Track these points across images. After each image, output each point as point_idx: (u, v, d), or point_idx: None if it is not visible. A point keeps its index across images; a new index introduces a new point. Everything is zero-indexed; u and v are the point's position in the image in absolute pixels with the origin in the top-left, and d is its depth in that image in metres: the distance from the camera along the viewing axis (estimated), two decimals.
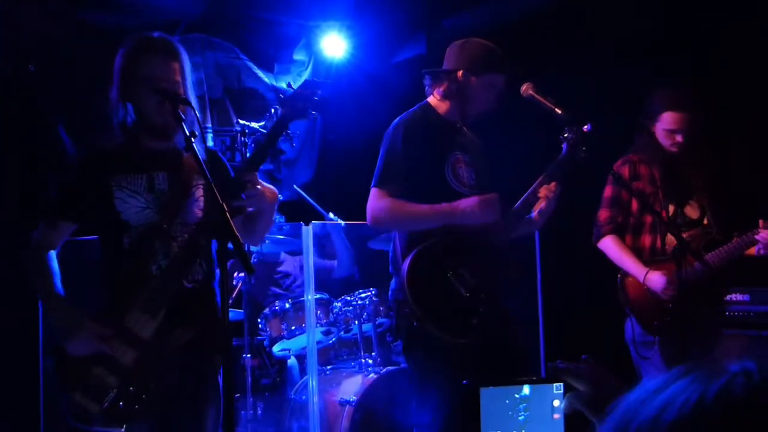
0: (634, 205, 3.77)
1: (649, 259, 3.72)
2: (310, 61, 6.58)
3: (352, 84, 6.52)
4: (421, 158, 3.17)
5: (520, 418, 1.89)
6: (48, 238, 2.73)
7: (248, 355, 4.68)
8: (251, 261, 4.74)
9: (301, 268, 5.15)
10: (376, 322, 4.57)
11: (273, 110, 5.72)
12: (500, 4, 5.70)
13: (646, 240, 3.76)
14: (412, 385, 3.27)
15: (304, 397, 4.48)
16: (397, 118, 3.27)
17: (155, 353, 2.60)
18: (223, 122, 6.11)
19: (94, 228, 2.77)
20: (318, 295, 4.72)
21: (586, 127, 3.25)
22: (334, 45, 6.42)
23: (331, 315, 4.72)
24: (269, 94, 6.30)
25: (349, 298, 4.68)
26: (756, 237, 3.55)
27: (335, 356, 4.82)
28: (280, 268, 5.59)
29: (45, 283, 2.66)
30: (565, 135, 3.29)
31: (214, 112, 6.08)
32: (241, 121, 5.58)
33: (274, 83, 6.36)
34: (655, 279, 3.61)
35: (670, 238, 3.68)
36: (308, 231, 4.46)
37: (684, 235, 3.65)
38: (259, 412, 4.81)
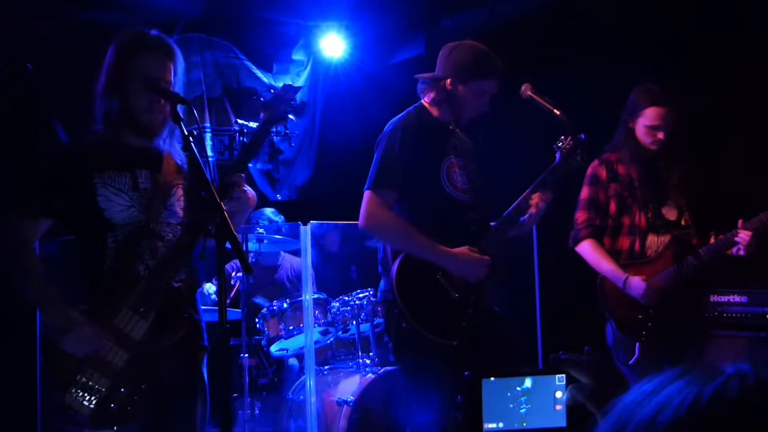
0: (612, 206, 3.70)
1: (628, 262, 3.65)
2: (308, 61, 6.58)
3: (350, 84, 6.53)
4: (417, 162, 3.15)
5: (521, 410, 1.89)
6: (28, 232, 2.65)
7: (246, 355, 4.69)
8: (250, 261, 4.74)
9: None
10: (374, 322, 4.58)
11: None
12: (499, 4, 5.70)
13: (625, 242, 3.68)
14: (402, 385, 3.27)
15: (301, 397, 4.49)
16: (392, 121, 3.25)
17: (147, 354, 2.58)
18: (221, 122, 6.12)
19: (70, 226, 2.69)
20: (316, 295, 4.73)
21: (581, 136, 3.24)
22: (333, 45, 6.43)
23: (329, 315, 4.73)
24: (268, 94, 6.29)
25: (347, 298, 4.68)
26: (736, 238, 3.50)
27: (333, 356, 4.82)
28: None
29: (35, 281, 2.62)
30: (559, 144, 3.29)
31: (213, 112, 6.09)
32: (239, 121, 5.60)
33: (273, 83, 6.36)
34: (635, 285, 3.54)
35: (650, 241, 3.65)
36: (306, 231, 4.47)
37: (664, 238, 3.64)
38: (257, 412, 4.82)
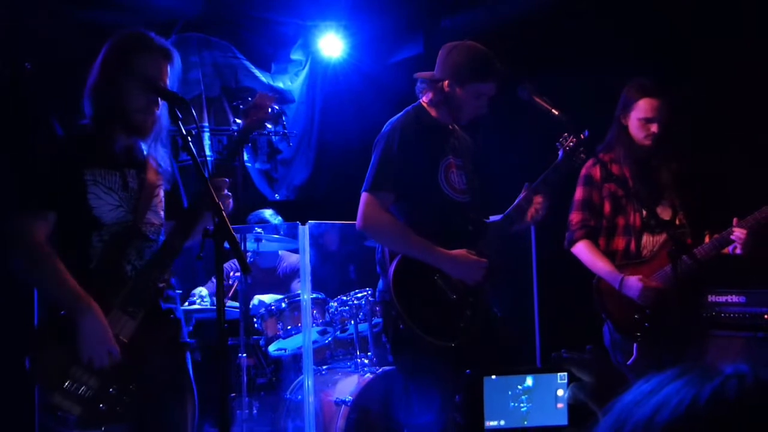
0: (607, 207, 3.70)
1: (623, 262, 3.65)
2: (307, 60, 6.58)
3: (349, 84, 6.53)
4: (415, 163, 3.14)
5: (522, 408, 1.89)
6: (35, 229, 2.55)
7: (244, 355, 4.68)
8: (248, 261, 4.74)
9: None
10: (372, 322, 4.57)
11: (270, 110, 5.73)
12: (499, 4, 5.69)
13: (620, 243, 3.68)
14: (400, 386, 3.26)
15: (299, 396, 4.49)
16: (390, 121, 3.24)
17: (136, 354, 2.58)
18: (220, 121, 6.12)
19: (56, 222, 2.60)
20: (314, 295, 4.72)
21: (584, 133, 3.23)
22: (332, 44, 6.43)
23: (327, 315, 4.72)
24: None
25: (345, 297, 4.68)
26: (731, 237, 3.50)
27: (331, 356, 4.82)
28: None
29: (54, 279, 2.52)
30: (562, 141, 3.28)
31: (212, 112, 6.09)
32: (238, 121, 5.58)
33: (272, 83, 6.37)
34: (632, 285, 3.54)
35: (645, 241, 3.65)
36: (305, 231, 4.46)
37: (659, 237, 3.64)
38: (255, 411, 4.82)
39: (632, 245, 3.66)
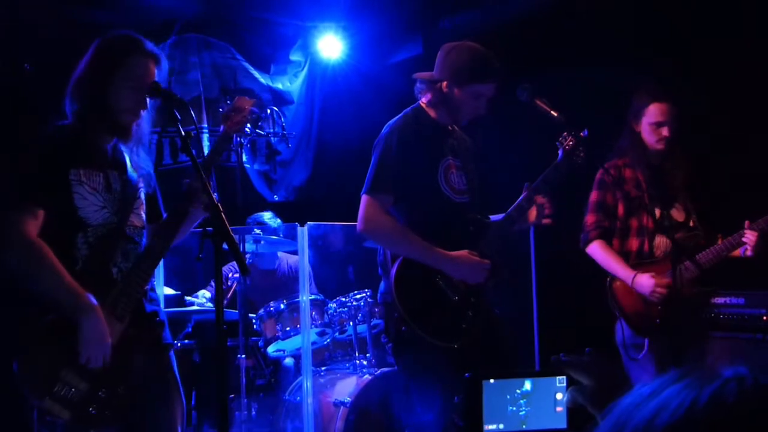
0: (620, 209, 3.82)
1: (636, 262, 3.76)
2: (306, 61, 6.58)
3: (348, 84, 6.53)
4: (415, 165, 3.14)
5: (521, 412, 1.89)
6: (33, 228, 2.50)
7: (243, 356, 4.68)
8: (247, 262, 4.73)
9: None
10: (371, 324, 4.57)
11: (269, 110, 5.74)
12: (497, 5, 5.69)
13: (633, 243, 3.79)
14: (402, 388, 3.26)
15: (298, 398, 4.48)
16: (389, 123, 3.23)
17: (123, 356, 2.56)
18: (219, 123, 6.10)
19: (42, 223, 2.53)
20: (313, 296, 4.72)
21: (583, 132, 3.24)
22: (331, 46, 6.43)
23: (326, 316, 4.72)
24: (265, 95, 6.30)
25: (344, 299, 4.67)
26: (743, 239, 3.60)
27: (330, 357, 4.81)
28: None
29: (54, 277, 2.47)
30: (561, 140, 3.29)
31: (211, 113, 6.08)
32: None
33: (270, 84, 6.37)
34: (643, 282, 3.66)
35: (658, 241, 3.74)
36: (303, 232, 4.46)
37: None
38: (254, 413, 4.80)
39: (645, 246, 3.77)
